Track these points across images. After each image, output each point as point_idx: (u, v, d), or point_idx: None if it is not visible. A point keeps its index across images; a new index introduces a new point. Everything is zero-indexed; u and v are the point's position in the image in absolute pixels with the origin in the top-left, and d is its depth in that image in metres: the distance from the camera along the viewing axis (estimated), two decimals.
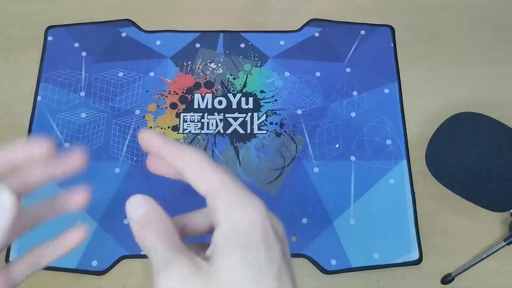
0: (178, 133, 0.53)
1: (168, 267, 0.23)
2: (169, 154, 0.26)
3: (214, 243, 0.24)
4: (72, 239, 0.32)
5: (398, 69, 0.56)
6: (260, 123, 0.54)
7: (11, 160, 0.26)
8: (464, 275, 0.47)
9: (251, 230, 0.24)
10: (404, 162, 0.52)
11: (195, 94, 0.55)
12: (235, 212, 0.24)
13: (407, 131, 0.53)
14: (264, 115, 0.54)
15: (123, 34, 0.58)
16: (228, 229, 0.24)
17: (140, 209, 0.25)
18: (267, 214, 0.25)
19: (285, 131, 0.53)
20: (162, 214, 0.26)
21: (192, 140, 0.53)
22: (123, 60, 0.57)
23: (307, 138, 0.53)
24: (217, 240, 0.24)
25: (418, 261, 0.48)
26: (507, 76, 0.56)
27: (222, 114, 0.54)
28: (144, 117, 0.54)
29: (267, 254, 0.23)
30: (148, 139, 0.27)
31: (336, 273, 0.48)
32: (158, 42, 0.58)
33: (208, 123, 0.54)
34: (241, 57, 0.57)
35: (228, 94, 0.55)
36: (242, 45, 0.58)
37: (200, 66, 0.57)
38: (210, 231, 0.26)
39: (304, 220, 0.49)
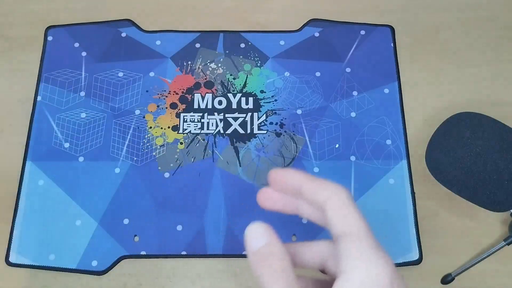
0: (178, 133, 0.53)
1: None
2: (311, 188, 0.25)
3: None
4: None
5: (398, 69, 0.56)
6: (260, 123, 0.54)
7: None
8: (464, 275, 0.47)
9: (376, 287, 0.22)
10: (404, 162, 0.52)
11: (195, 94, 0.55)
12: (364, 264, 0.23)
13: (407, 131, 0.53)
14: (264, 115, 0.54)
15: (123, 34, 0.58)
16: (355, 284, 0.22)
17: (260, 240, 0.24)
18: (395, 274, 0.23)
19: (285, 131, 0.53)
20: (281, 248, 0.24)
21: (192, 140, 0.53)
22: (123, 60, 0.57)
23: (307, 138, 0.53)
24: None
25: (418, 261, 0.48)
26: (507, 76, 0.56)
27: (222, 114, 0.54)
28: (144, 117, 0.54)
29: None
30: (287, 176, 0.25)
31: None
32: (158, 42, 0.58)
33: (208, 123, 0.54)
34: (241, 57, 0.57)
35: (228, 94, 0.55)
36: (242, 45, 0.58)
37: (200, 66, 0.57)
38: (321, 268, 0.25)
39: (304, 220, 0.49)
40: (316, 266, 0.26)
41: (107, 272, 0.48)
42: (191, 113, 0.54)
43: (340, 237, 0.23)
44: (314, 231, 0.49)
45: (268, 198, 0.27)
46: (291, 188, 0.26)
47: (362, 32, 0.58)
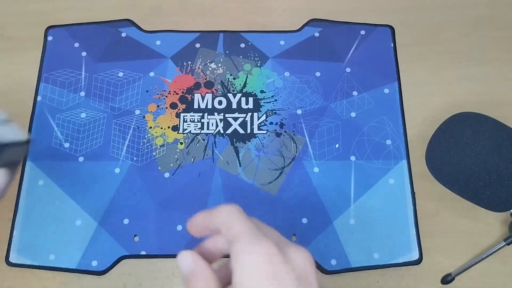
0: (178, 133, 0.53)
1: None
2: (211, 219, 0.29)
3: None
4: None
5: (398, 69, 0.56)
6: (260, 123, 0.54)
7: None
8: (464, 275, 0.47)
9: (257, 274, 0.25)
10: (404, 162, 0.52)
11: (195, 94, 0.55)
12: (243, 257, 0.26)
13: (407, 131, 0.53)
14: (264, 115, 0.54)
15: (123, 34, 0.58)
16: (241, 278, 0.25)
17: (188, 267, 0.28)
18: (277, 252, 0.26)
19: (285, 131, 0.53)
20: (204, 271, 0.28)
21: (192, 140, 0.53)
22: (123, 60, 0.57)
23: (307, 138, 0.53)
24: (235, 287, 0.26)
25: (418, 261, 0.48)
26: (507, 76, 0.56)
27: (222, 114, 0.54)
28: (144, 117, 0.54)
29: None
30: (194, 222, 0.30)
31: (336, 273, 0.48)
32: (158, 42, 0.58)
33: (208, 123, 0.54)
34: (241, 57, 0.57)
35: (228, 94, 0.55)
36: (242, 45, 0.58)
37: (200, 66, 0.57)
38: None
39: (304, 220, 0.49)
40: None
41: (107, 272, 0.48)
42: (191, 113, 0.54)
43: (230, 244, 0.27)
44: (314, 231, 0.49)
45: (193, 230, 0.31)
46: (204, 226, 0.30)
47: (362, 32, 0.58)
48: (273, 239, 0.27)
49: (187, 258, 0.28)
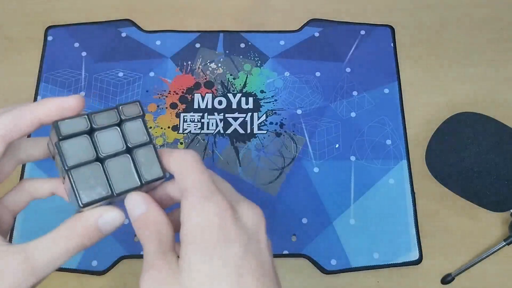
0: (178, 133, 0.53)
1: (147, 270, 0.25)
2: (164, 160, 0.27)
3: (182, 243, 0.25)
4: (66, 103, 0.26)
5: (398, 69, 0.56)
6: (260, 123, 0.54)
7: (41, 117, 0.26)
8: (464, 275, 0.47)
9: (207, 229, 0.24)
10: (404, 162, 0.52)
11: (195, 94, 0.55)
12: (194, 212, 0.25)
13: (407, 131, 0.53)
14: (264, 115, 0.54)
15: (123, 34, 0.58)
16: (189, 230, 0.24)
17: (139, 209, 0.26)
18: (228, 208, 0.25)
19: (285, 131, 0.53)
20: (157, 214, 0.26)
21: (192, 140, 0.53)
22: (123, 60, 0.57)
23: (307, 138, 0.53)
24: (182, 241, 0.25)
25: (418, 261, 0.48)
26: (507, 76, 0.56)
27: (222, 114, 0.54)
28: None
29: (222, 252, 0.24)
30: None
31: (336, 273, 0.48)
32: (158, 42, 0.58)
33: (208, 123, 0.54)
34: (241, 57, 0.57)
35: (228, 94, 0.55)
36: (242, 45, 0.58)
37: (200, 66, 0.57)
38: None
39: (304, 220, 0.49)
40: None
41: (107, 272, 0.48)
42: (191, 113, 0.54)
43: (182, 194, 0.26)
44: (314, 231, 0.49)
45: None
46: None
47: (362, 32, 0.58)
48: (226, 194, 0.26)
49: (137, 199, 0.26)
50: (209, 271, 0.23)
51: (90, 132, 0.26)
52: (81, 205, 0.25)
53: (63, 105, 0.26)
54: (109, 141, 0.26)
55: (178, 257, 0.25)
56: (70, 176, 0.24)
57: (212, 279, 0.23)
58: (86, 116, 0.26)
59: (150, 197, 0.27)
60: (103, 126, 0.26)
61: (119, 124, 0.26)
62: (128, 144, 0.26)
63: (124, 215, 0.26)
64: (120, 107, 0.27)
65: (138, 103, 0.27)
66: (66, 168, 0.25)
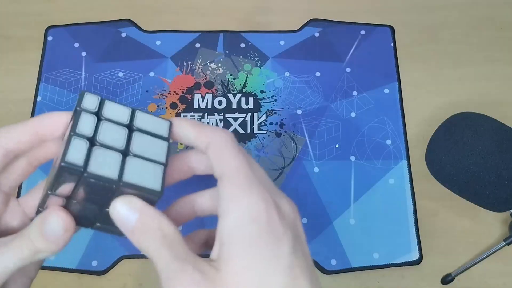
0: None
1: (172, 280, 0.22)
2: (195, 134, 0.25)
3: (218, 242, 0.22)
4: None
5: (398, 69, 0.56)
6: (260, 123, 0.54)
7: (40, 134, 0.25)
8: (464, 275, 0.47)
9: (253, 225, 0.22)
10: (404, 162, 0.52)
11: (195, 94, 0.55)
12: (237, 205, 0.22)
13: (407, 131, 0.53)
14: (264, 115, 0.54)
15: (123, 34, 0.58)
16: (230, 226, 0.22)
17: (130, 219, 0.23)
18: (273, 203, 0.23)
19: (285, 131, 0.53)
20: (154, 217, 0.23)
21: None
22: (123, 60, 0.57)
23: (307, 138, 0.53)
24: (221, 238, 0.22)
25: (418, 261, 0.48)
26: (507, 76, 0.56)
27: (222, 114, 0.54)
28: None
29: (273, 251, 0.21)
30: (180, 126, 0.26)
31: (336, 273, 0.48)
32: (158, 42, 0.58)
33: (208, 123, 0.54)
34: (241, 57, 0.57)
35: (228, 94, 0.55)
36: (242, 45, 0.58)
37: (200, 66, 0.57)
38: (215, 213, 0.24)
39: (304, 220, 0.49)
40: (215, 212, 0.25)
41: (107, 272, 0.48)
42: (191, 113, 0.54)
43: (219, 181, 0.23)
44: (314, 231, 0.49)
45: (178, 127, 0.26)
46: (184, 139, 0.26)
47: (362, 32, 0.58)
48: (265, 184, 0.23)
49: (123, 208, 0.22)
50: (260, 278, 0.21)
51: (129, 127, 0.25)
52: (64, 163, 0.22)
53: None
54: (140, 144, 0.25)
55: (205, 256, 0.23)
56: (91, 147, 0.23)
57: (265, 285, 0.21)
58: (130, 110, 0.26)
59: (138, 198, 0.23)
60: (141, 129, 0.26)
61: (152, 135, 0.26)
62: (149, 157, 0.25)
63: (73, 223, 0.24)
64: (170, 122, 0.27)
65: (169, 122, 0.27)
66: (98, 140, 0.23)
